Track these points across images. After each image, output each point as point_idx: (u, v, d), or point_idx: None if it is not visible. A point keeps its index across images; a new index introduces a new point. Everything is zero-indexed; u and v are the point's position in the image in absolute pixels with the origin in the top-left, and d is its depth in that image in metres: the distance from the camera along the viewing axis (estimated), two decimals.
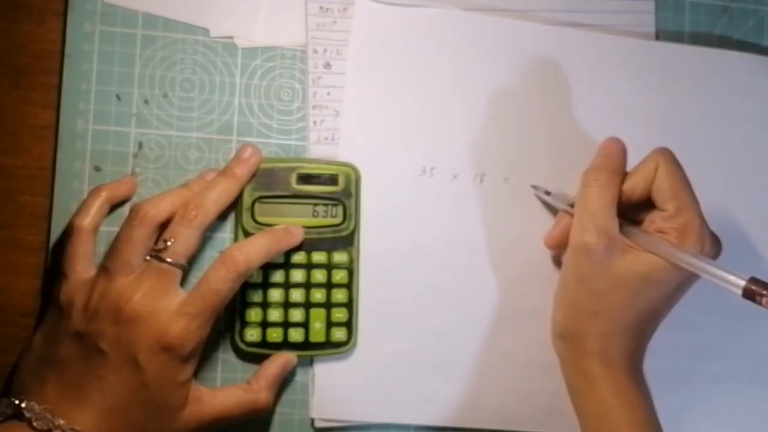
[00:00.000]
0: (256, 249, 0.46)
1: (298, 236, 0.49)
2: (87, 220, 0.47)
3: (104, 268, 0.45)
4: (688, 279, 0.47)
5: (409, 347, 0.52)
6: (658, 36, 0.56)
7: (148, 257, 0.45)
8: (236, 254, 0.45)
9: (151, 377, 0.43)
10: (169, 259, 0.45)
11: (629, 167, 0.53)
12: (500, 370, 0.52)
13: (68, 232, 0.47)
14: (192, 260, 0.48)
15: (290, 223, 0.49)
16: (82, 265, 0.47)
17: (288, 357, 0.49)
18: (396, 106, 0.53)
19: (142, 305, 0.44)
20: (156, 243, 0.46)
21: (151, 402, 0.44)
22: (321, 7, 0.52)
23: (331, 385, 0.51)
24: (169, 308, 0.44)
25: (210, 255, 0.50)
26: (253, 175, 0.49)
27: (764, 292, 0.42)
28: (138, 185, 0.50)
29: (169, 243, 0.45)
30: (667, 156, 0.48)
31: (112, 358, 0.44)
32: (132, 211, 0.47)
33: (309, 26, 0.52)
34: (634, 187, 0.49)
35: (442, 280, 0.52)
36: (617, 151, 0.50)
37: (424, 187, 0.53)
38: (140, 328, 0.44)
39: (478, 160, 0.53)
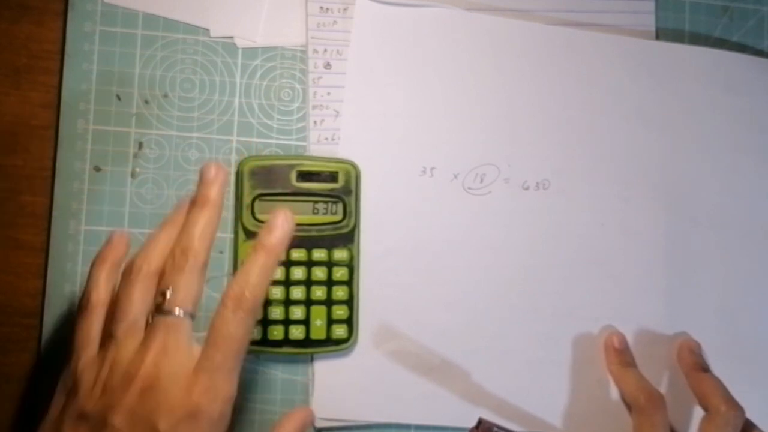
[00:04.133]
0: (256, 277, 0.41)
1: (285, 228, 0.42)
2: (102, 295, 0.43)
3: (111, 336, 0.41)
4: None
5: (409, 346, 0.52)
6: (658, 36, 0.56)
7: (151, 316, 0.41)
8: (238, 290, 0.40)
9: None
10: (171, 311, 0.40)
11: (627, 167, 0.54)
12: (500, 369, 0.52)
13: (83, 308, 0.43)
14: (198, 305, 0.42)
15: None
16: (96, 343, 0.42)
17: (306, 412, 0.47)
18: (396, 105, 0.53)
19: (157, 368, 0.39)
20: (155, 298, 0.41)
21: None
22: (321, 7, 0.52)
23: (331, 385, 0.50)
24: (186, 366, 0.39)
25: (213, 255, 0.49)
26: (227, 192, 0.45)
27: None
28: (138, 186, 0.50)
29: (168, 293, 0.40)
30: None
31: None
32: (125, 271, 0.42)
33: (309, 26, 0.52)
34: None
35: (442, 279, 0.52)
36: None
37: (424, 187, 0.53)
38: (158, 394, 0.38)
39: (478, 160, 0.53)
